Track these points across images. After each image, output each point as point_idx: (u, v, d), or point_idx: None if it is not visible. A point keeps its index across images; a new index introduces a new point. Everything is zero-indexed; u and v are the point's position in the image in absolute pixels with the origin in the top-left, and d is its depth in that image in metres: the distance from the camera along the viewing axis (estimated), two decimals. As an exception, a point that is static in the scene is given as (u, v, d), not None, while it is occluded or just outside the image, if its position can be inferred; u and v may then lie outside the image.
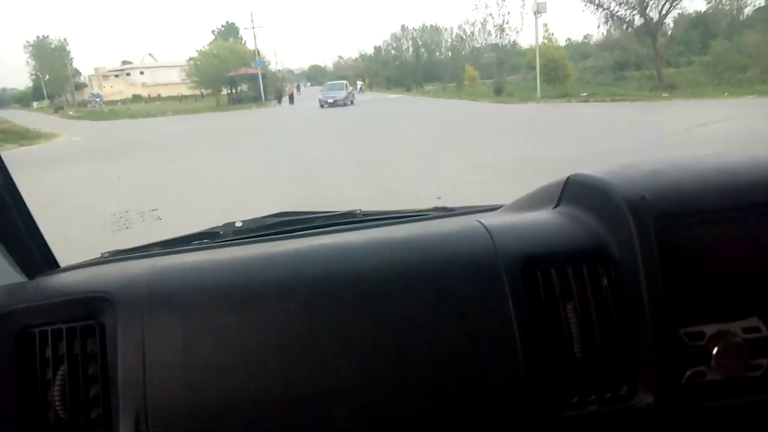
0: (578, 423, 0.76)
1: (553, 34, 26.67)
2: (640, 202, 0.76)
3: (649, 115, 14.33)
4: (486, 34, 46.05)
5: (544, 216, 0.89)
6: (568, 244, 0.80)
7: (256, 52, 44.06)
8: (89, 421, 0.77)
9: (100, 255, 1.10)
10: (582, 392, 0.77)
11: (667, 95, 18.67)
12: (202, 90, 49.54)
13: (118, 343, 0.75)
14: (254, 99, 40.18)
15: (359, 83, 50.20)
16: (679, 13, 24.86)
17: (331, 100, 29.14)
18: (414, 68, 57.94)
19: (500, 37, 31.10)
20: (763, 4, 26.63)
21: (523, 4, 27.85)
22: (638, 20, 24.08)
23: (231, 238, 1.16)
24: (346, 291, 0.76)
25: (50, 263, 0.98)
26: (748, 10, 27.30)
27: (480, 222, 0.86)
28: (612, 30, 50.08)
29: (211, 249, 1.05)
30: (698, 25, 28.23)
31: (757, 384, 0.76)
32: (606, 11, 24.50)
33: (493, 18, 30.53)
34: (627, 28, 25.55)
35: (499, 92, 26.85)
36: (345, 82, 35.02)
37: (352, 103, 31.01)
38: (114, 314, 0.77)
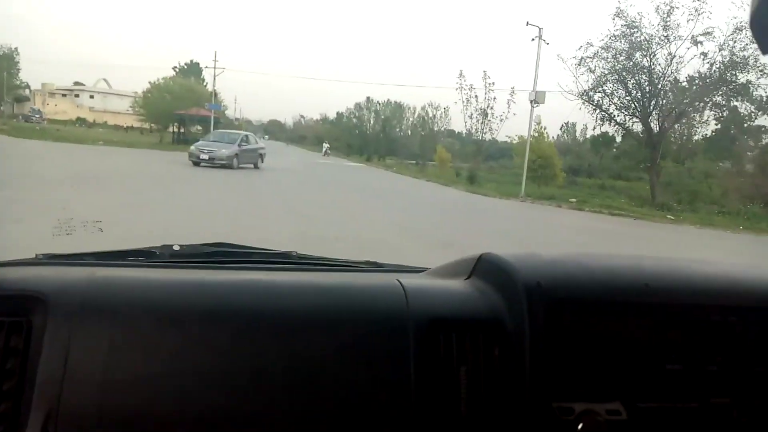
0: None
1: (545, 128, 24.58)
2: (536, 287, 0.87)
3: (712, 249, 11.79)
4: (448, 119, 45.12)
5: (455, 285, 0.99)
6: (470, 314, 0.90)
7: (214, 95, 40.82)
8: None
9: (34, 255, 1.10)
10: None
11: (672, 218, 16.53)
12: (151, 124, 45.75)
13: (43, 342, 0.78)
14: (202, 142, 36.55)
15: (325, 145, 47.69)
16: (683, 125, 23.63)
17: (204, 156, 18.68)
18: (376, 139, 56.24)
19: (482, 123, 29.10)
20: (708, 134, 26.75)
21: (512, 91, 26.13)
22: (637, 127, 22.63)
23: (167, 261, 1.18)
24: (269, 327, 0.83)
25: None
26: (696, 138, 27.00)
27: (399, 282, 0.94)
28: (566, 135, 50.59)
29: (147, 268, 1.07)
30: (648, 143, 27.25)
31: None
32: (603, 113, 22.63)
33: (477, 100, 28.57)
34: (623, 134, 24.04)
35: (472, 181, 24.27)
36: (247, 134, 23.75)
37: (256, 166, 21.12)
38: (44, 315, 0.80)
